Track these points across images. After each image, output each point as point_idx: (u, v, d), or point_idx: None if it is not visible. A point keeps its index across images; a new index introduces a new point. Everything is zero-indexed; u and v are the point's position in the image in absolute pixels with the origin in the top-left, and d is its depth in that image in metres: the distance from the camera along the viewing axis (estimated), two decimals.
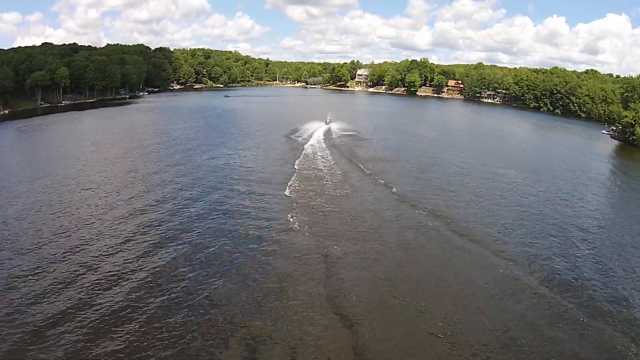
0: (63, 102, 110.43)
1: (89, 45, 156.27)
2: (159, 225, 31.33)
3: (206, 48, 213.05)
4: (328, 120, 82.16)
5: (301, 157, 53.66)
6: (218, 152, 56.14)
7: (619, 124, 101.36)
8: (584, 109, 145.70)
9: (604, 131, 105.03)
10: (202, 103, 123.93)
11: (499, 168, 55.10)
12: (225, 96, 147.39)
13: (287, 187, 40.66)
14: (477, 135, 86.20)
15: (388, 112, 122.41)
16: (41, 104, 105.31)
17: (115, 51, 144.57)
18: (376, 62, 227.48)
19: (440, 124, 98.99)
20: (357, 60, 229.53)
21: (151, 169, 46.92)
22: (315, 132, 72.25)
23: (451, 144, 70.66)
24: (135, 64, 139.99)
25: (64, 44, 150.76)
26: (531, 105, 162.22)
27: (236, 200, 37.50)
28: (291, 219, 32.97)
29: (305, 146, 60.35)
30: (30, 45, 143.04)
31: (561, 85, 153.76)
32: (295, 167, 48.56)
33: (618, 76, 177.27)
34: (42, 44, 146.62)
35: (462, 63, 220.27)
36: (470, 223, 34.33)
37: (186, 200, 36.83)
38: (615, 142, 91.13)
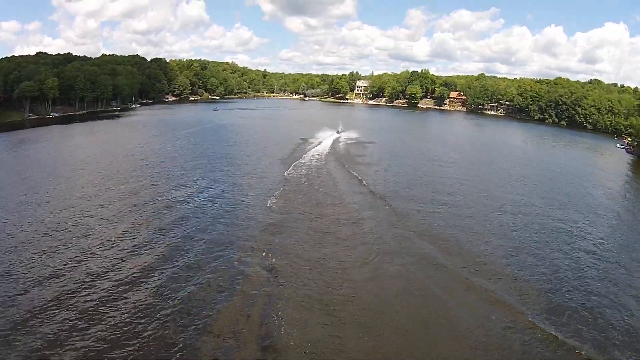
0: (52, 114, 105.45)
1: (84, 56, 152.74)
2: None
3: (203, 59, 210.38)
4: (340, 130, 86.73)
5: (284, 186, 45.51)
6: (190, 179, 47.65)
7: (627, 135, 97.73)
8: (590, 120, 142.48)
9: (618, 145, 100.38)
10: (192, 117, 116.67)
11: (523, 196, 47.64)
12: (215, 109, 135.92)
13: (263, 241, 31.27)
14: (489, 152, 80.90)
15: (393, 127, 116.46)
16: (29, 116, 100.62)
17: (108, 62, 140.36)
18: (375, 73, 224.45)
19: (450, 141, 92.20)
20: (356, 72, 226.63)
21: (104, 199, 39.42)
22: (318, 148, 68.39)
23: (467, 165, 64.69)
24: (127, 74, 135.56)
25: (58, 53, 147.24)
26: (535, 117, 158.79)
27: (196, 247, 29.86)
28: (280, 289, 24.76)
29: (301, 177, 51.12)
30: (26, 54, 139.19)
31: (567, 96, 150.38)
32: (280, 213, 39.37)
33: (622, 86, 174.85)
34: (36, 53, 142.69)
35: (461, 74, 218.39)
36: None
37: (130, 253, 28.64)
38: (632, 158, 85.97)
